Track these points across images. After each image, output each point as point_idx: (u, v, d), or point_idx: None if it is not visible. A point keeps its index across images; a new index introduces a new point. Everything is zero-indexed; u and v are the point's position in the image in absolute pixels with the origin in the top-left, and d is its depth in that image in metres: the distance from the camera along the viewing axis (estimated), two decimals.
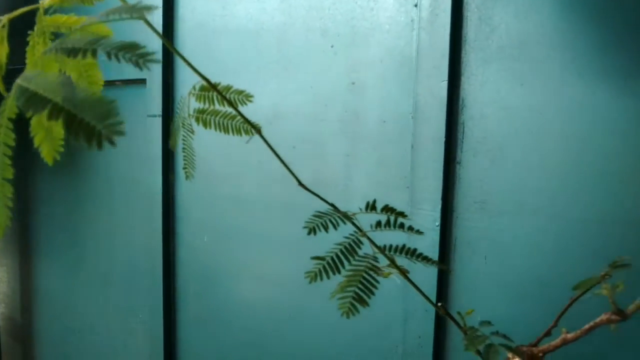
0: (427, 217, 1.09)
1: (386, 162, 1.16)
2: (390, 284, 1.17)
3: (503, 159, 1.03)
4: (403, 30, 1.12)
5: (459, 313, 0.69)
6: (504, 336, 0.67)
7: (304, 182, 1.28)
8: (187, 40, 1.48)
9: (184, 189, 1.52)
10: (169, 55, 1.50)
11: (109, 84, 1.69)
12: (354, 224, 0.76)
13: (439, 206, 1.08)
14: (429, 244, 1.09)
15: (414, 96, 1.10)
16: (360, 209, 0.82)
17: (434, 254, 1.08)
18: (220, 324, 1.48)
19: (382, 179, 1.17)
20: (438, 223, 1.08)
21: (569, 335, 0.65)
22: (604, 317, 0.62)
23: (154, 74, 1.52)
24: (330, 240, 1.27)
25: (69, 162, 1.85)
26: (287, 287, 1.34)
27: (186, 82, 1.49)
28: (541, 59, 0.98)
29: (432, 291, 1.09)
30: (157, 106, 1.52)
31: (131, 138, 1.65)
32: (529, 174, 1.01)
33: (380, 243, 0.73)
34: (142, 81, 1.56)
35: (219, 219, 1.46)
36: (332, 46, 1.22)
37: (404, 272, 0.64)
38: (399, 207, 1.14)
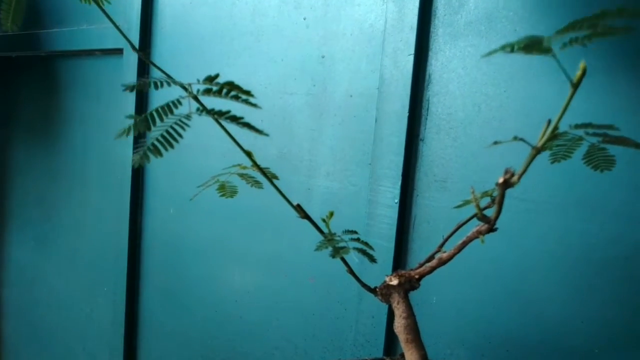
0: (387, 193, 1.07)
1: (350, 138, 1.13)
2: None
3: (466, 137, 1.01)
4: (374, 4, 1.10)
5: (323, 219, 0.68)
6: (366, 244, 0.65)
7: (270, 156, 1.27)
8: (165, 9, 1.46)
9: (154, 160, 1.50)
10: (147, 25, 1.48)
11: (89, 53, 1.68)
12: (184, 88, 0.64)
13: (399, 183, 1.05)
14: (387, 221, 1.07)
15: (381, 70, 1.08)
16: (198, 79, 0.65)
17: (392, 232, 1.06)
18: (181, 296, 1.46)
19: (345, 154, 1.14)
20: (397, 200, 1.05)
21: (445, 255, 0.65)
22: (474, 229, 0.61)
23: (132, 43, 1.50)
24: (288, 211, 1.25)
25: (45, 134, 1.84)
26: (249, 262, 1.32)
27: (164, 51, 1.47)
28: (507, 35, 0.96)
29: (388, 269, 1.07)
30: (132, 76, 1.50)
31: (107, 109, 1.64)
32: (491, 154, 0.98)
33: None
34: (120, 51, 1.55)
35: (185, 190, 1.44)
36: (304, 19, 1.20)
37: (264, 172, 0.62)
38: (360, 184, 1.12)
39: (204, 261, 1.41)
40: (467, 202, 0.65)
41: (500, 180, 0.52)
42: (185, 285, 1.45)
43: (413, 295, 1.07)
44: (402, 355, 0.73)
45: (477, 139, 0.99)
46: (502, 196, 0.54)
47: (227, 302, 1.36)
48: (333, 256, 0.59)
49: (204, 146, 1.38)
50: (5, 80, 1.99)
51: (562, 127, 0.54)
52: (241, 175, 0.68)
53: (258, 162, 1.33)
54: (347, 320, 1.14)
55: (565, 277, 0.92)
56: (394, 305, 0.66)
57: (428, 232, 1.05)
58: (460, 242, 0.61)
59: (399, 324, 0.65)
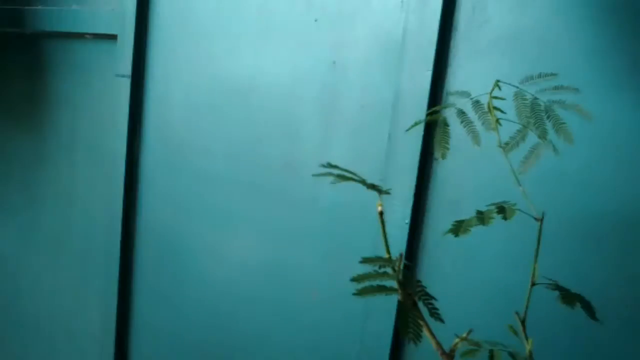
0: (397, 213, 1.04)
1: (361, 151, 1.09)
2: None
3: (483, 158, 0.97)
4: (392, 11, 1.04)
5: None
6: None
7: (274, 162, 1.22)
8: (164, 1, 1.37)
9: (149, 157, 1.44)
10: (143, 11, 1.39)
11: (78, 36, 1.58)
12: None
13: (411, 203, 1.02)
14: (397, 241, 1.04)
15: (396, 83, 1.03)
16: None
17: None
18: (176, 298, 1.43)
19: (354, 167, 1.10)
20: (408, 221, 1.03)
21: None
22: None
23: (126, 30, 1.42)
24: (291, 220, 1.21)
25: (30, 119, 1.74)
26: (247, 267, 1.29)
27: (161, 42, 1.39)
28: (533, 57, 0.92)
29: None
30: (127, 66, 1.42)
31: (97, 98, 1.55)
32: (509, 178, 0.96)
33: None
34: (113, 37, 1.46)
35: (182, 190, 1.38)
36: (315, 20, 1.13)
37: None
38: (369, 200, 1.09)
39: (201, 264, 1.37)
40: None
41: None
42: (181, 289, 1.41)
43: None
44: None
45: (495, 161, 0.96)
46: None
47: (224, 308, 1.33)
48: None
49: (205, 147, 1.32)
50: None
51: None
52: None
53: (261, 167, 1.28)
54: (351, 336, 1.13)
55: None
56: None
57: (438, 254, 1.02)
58: None
59: None
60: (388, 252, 0.53)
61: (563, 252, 0.91)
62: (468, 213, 0.99)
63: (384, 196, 1.05)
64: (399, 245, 1.03)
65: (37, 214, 1.77)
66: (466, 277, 0.99)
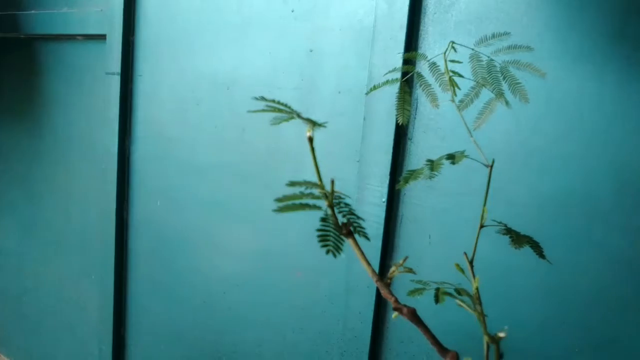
0: (375, 192, 1.07)
1: (338, 134, 1.13)
2: (334, 260, 1.16)
3: (453, 137, 1.01)
4: None
5: None
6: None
7: (258, 151, 1.26)
8: (149, 0, 1.42)
9: (140, 151, 1.49)
10: (130, 11, 1.44)
11: (69, 37, 1.63)
12: None
13: (387, 182, 1.06)
14: (375, 220, 1.07)
15: (370, 67, 1.07)
16: None
17: (379, 230, 1.07)
18: (168, 285, 1.47)
19: (333, 151, 1.14)
20: (385, 199, 1.06)
21: None
22: None
23: (115, 30, 1.46)
24: (283, 215, 1.25)
25: (28, 118, 1.80)
26: (236, 254, 1.33)
27: (148, 40, 1.43)
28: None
29: (374, 267, 1.08)
30: (116, 64, 1.47)
31: (90, 96, 1.60)
32: (477, 155, 0.99)
33: None
34: (102, 37, 1.51)
35: (172, 183, 1.43)
36: (292, 11, 1.17)
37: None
38: (348, 181, 1.13)
39: (192, 253, 1.41)
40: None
41: None
42: (173, 276, 1.45)
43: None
44: None
45: (465, 139, 0.99)
46: None
47: (216, 293, 1.37)
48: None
49: (192, 139, 1.37)
50: None
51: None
52: None
53: (246, 156, 1.32)
54: (335, 315, 1.16)
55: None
56: None
57: (414, 231, 1.06)
58: None
59: None
60: (319, 176, 0.56)
61: (534, 224, 0.94)
62: (441, 190, 1.03)
63: (363, 176, 1.09)
64: (378, 222, 1.06)
65: (36, 210, 1.82)
66: (440, 249, 1.03)
